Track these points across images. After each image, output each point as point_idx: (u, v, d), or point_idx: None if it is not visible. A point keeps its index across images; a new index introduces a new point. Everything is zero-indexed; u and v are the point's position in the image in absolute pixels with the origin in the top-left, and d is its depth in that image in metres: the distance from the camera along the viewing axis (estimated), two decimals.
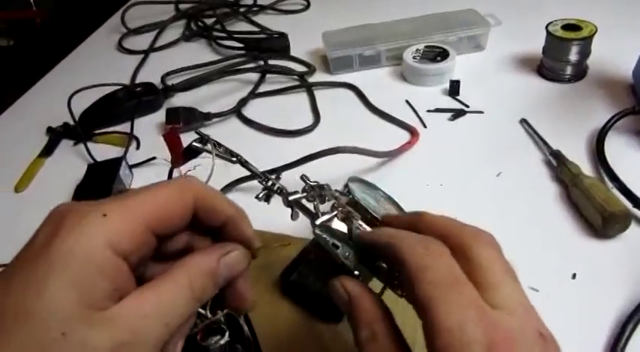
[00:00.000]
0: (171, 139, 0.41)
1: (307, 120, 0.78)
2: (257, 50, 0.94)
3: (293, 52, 0.95)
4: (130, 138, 0.76)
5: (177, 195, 0.29)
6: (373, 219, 0.51)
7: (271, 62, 0.92)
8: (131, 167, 0.70)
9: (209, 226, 0.32)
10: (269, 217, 0.54)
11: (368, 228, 0.48)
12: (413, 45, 0.86)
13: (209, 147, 0.42)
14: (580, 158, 0.63)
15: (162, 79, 0.87)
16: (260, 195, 0.46)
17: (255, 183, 0.61)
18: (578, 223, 0.57)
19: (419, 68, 0.82)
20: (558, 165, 0.62)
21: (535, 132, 0.69)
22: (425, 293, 0.27)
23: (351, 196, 0.54)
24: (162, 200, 0.28)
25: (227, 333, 0.44)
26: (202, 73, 0.87)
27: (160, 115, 0.81)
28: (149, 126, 0.80)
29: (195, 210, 0.30)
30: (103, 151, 0.75)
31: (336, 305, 0.34)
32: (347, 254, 0.36)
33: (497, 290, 0.28)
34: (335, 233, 0.38)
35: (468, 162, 0.67)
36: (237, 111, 0.80)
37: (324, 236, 0.37)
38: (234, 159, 0.44)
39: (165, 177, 0.53)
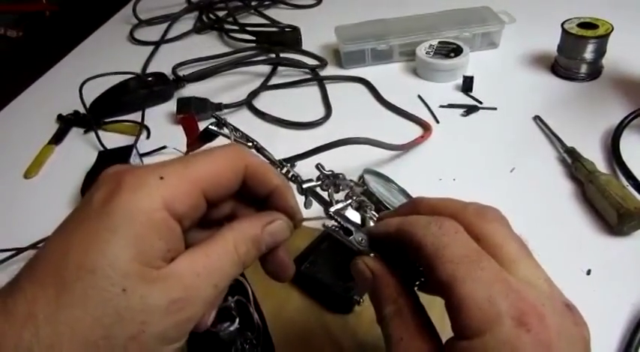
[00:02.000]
0: (188, 123, 0.41)
1: (318, 113, 0.77)
2: (268, 43, 0.94)
3: (305, 46, 0.94)
4: (141, 127, 0.75)
5: (231, 162, 0.30)
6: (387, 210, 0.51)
7: (283, 55, 0.91)
8: (141, 156, 0.70)
9: (255, 195, 0.32)
10: None
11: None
12: (426, 40, 0.85)
13: (226, 131, 0.42)
14: (594, 156, 0.63)
15: (174, 69, 0.87)
16: None
17: None
18: (593, 220, 0.56)
19: (432, 63, 0.81)
20: (573, 162, 0.62)
21: (549, 129, 0.69)
22: (447, 273, 0.26)
23: (365, 187, 0.54)
24: (217, 166, 0.29)
25: (237, 320, 0.44)
26: (213, 64, 0.87)
27: (170, 105, 0.81)
28: (160, 116, 0.80)
29: (245, 178, 0.30)
30: (114, 140, 0.75)
31: (360, 285, 0.33)
32: (360, 239, 0.35)
33: (516, 265, 0.27)
34: (348, 221, 0.37)
35: (481, 157, 0.66)
36: (248, 102, 0.80)
37: (337, 219, 0.36)
38: (250, 144, 0.43)
39: None
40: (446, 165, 0.65)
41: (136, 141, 0.72)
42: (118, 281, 0.23)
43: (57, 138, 0.78)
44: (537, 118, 0.71)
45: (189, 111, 0.72)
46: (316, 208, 0.45)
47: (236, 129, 0.43)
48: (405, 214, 0.33)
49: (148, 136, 0.76)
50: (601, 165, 0.62)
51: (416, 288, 0.33)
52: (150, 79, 0.82)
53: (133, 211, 0.25)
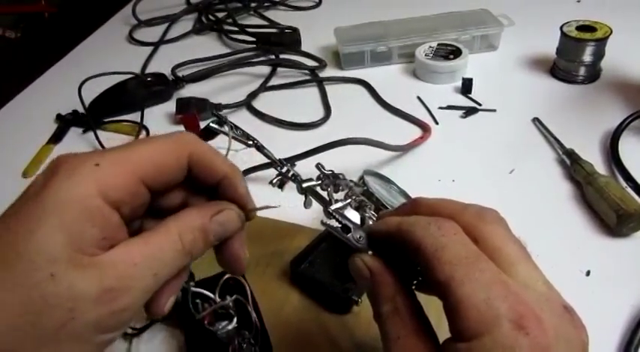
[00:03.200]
0: (189, 122, 0.41)
1: (318, 114, 0.77)
2: (268, 44, 0.94)
3: (304, 48, 0.94)
4: (140, 127, 0.75)
5: (172, 148, 0.29)
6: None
7: (282, 56, 0.91)
8: None
9: (204, 184, 0.31)
10: (281, 207, 0.53)
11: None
12: (425, 42, 0.86)
13: (226, 128, 0.42)
14: (593, 158, 0.63)
15: (173, 70, 0.87)
16: (274, 181, 0.45)
17: (267, 173, 0.61)
18: (592, 221, 0.56)
19: (431, 65, 0.81)
20: (572, 164, 0.62)
21: (548, 131, 0.69)
22: (445, 274, 0.26)
23: (365, 188, 0.53)
24: (156, 152, 0.28)
25: (235, 319, 0.44)
26: (213, 65, 0.87)
27: (170, 106, 0.81)
28: (159, 116, 0.80)
29: (190, 166, 0.30)
30: (112, 139, 0.75)
31: (358, 283, 0.33)
32: (359, 236, 0.35)
33: (515, 268, 0.27)
34: (347, 219, 0.37)
35: (480, 159, 0.66)
36: (247, 103, 0.80)
37: (336, 216, 0.36)
38: (251, 142, 0.43)
39: None
40: (445, 167, 0.65)
41: None
42: (44, 265, 0.23)
43: (56, 138, 0.78)
44: (536, 120, 0.72)
45: (190, 111, 0.72)
46: (316, 208, 0.45)
47: (236, 127, 0.43)
48: (405, 214, 0.33)
49: (147, 136, 0.76)
50: (600, 167, 0.62)
51: (414, 288, 0.33)
52: (149, 79, 0.82)
53: (65, 198, 0.24)
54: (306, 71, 0.88)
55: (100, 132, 0.75)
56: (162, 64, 0.92)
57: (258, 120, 0.78)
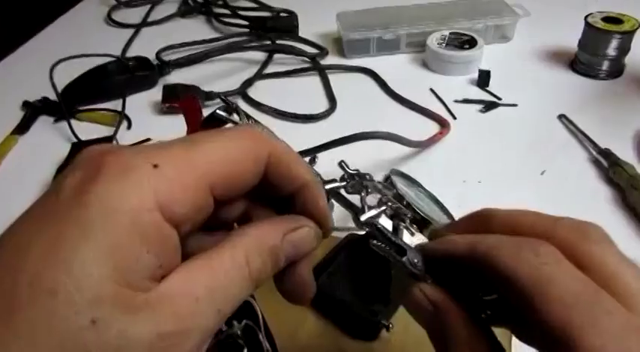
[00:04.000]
0: (189, 107, 0.33)
1: (321, 105, 0.70)
2: (262, 29, 0.86)
3: (302, 34, 0.87)
4: (121, 116, 0.66)
5: (250, 147, 0.22)
6: (422, 219, 0.44)
7: (279, 42, 0.83)
8: None
9: (277, 192, 0.25)
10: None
11: (416, 232, 0.40)
12: (436, 31, 0.79)
13: (236, 117, 0.34)
14: (627, 159, 0.57)
15: (158, 54, 0.78)
16: None
17: None
18: (637, 229, 0.50)
19: (445, 55, 0.74)
20: (610, 166, 0.55)
21: (578, 129, 0.63)
22: (559, 317, 0.20)
23: (394, 190, 0.46)
24: (233, 152, 0.22)
25: (245, 350, 0.36)
26: (202, 50, 0.78)
27: (154, 93, 0.72)
28: (142, 105, 0.71)
29: (266, 169, 0.23)
30: (89, 130, 0.66)
31: (415, 319, 0.26)
32: (416, 260, 0.27)
33: (636, 300, 0.21)
34: (393, 234, 0.30)
35: (506, 158, 0.60)
36: (242, 92, 0.72)
37: (378, 230, 0.29)
38: None
39: None
40: (468, 166, 0.58)
41: (116, 132, 0.63)
42: (85, 308, 0.17)
43: (21, 128, 0.68)
44: (563, 117, 0.65)
45: (189, 94, 0.63)
46: (338, 214, 0.38)
47: (248, 117, 0.35)
48: (472, 230, 0.26)
49: (129, 127, 0.67)
50: (637, 169, 0.56)
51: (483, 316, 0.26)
52: (131, 63, 0.73)
53: (114, 209, 0.18)
54: (306, 59, 0.80)
55: (74, 123, 0.66)
56: (146, 48, 0.83)
57: (255, 111, 0.69)
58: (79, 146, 0.60)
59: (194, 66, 0.77)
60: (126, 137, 0.64)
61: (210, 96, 0.69)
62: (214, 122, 0.35)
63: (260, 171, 0.23)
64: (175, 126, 0.48)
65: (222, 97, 0.33)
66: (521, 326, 0.25)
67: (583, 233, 0.23)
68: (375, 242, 0.27)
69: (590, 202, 0.54)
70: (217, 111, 0.34)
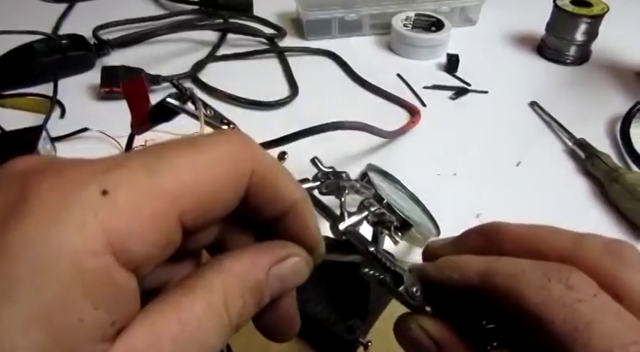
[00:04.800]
0: (134, 91, 0.27)
1: (281, 90, 0.64)
2: (213, 7, 0.79)
3: (257, 13, 0.80)
4: (52, 102, 0.58)
5: (231, 165, 0.18)
6: (404, 222, 0.39)
7: (232, 21, 0.76)
8: (53, 140, 0.53)
9: (259, 216, 0.20)
10: None
11: (400, 240, 0.35)
12: (400, 12, 0.74)
13: (190, 107, 0.28)
14: (603, 149, 0.54)
15: (95, 32, 0.69)
16: None
17: None
18: (619, 224, 0.48)
19: (412, 37, 0.70)
20: (588, 157, 0.53)
21: (551, 117, 0.60)
22: None
23: (373, 190, 0.41)
24: (209, 171, 0.17)
25: None
26: (147, 28, 0.71)
27: (91, 76, 0.64)
28: (77, 90, 0.62)
29: (247, 191, 0.19)
30: (15, 119, 0.57)
31: None
32: (414, 289, 0.23)
33: None
34: (389, 258, 0.25)
35: (480, 148, 0.56)
36: (193, 75, 0.64)
37: (375, 253, 0.24)
38: (226, 127, 0.30)
39: (102, 155, 0.38)
40: (442, 157, 0.54)
41: (46, 120, 0.55)
42: None
43: None
44: (535, 105, 0.63)
45: (135, 76, 0.55)
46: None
47: (206, 106, 0.29)
48: (479, 250, 0.21)
49: (63, 115, 0.59)
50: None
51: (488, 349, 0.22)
52: (64, 41, 0.64)
53: (47, 255, 0.14)
54: (263, 40, 0.73)
55: None
56: (81, 25, 0.74)
57: (208, 97, 0.62)
58: (3, 138, 0.52)
59: (137, 46, 0.69)
60: (58, 126, 0.56)
61: (156, 80, 0.61)
62: (164, 112, 0.29)
63: (241, 191, 0.18)
64: (116, 114, 0.41)
65: (174, 82, 0.27)
66: None
67: (616, 255, 0.19)
68: (366, 271, 0.22)
69: (569, 195, 0.51)
70: (168, 99, 0.28)
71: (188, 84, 0.64)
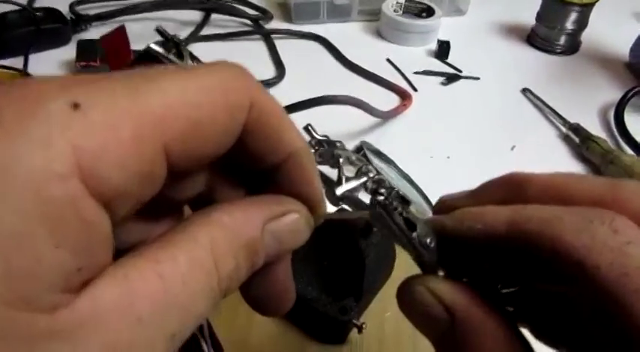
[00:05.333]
0: (115, 43, 0.24)
1: (267, 72, 0.61)
2: None
3: None
4: (22, 75, 0.54)
5: (226, 92, 0.15)
6: (401, 199, 0.37)
7: (217, 1, 0.73)
8: None
9: (254, 164, 0.17)
10: None
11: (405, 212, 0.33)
12: None
13: (173, 57, 0.25)
14: (598, 134, 0.53)
15: (72, 6, 0.66)
16: None
17: None
18: None
19: (402, 23, 0.68)
20: (582, 141, 0.52)
21: (545, 103, 0.59)
22: None
23: (369, 164, 0.39)
24: (199, 95, 0.14)
25: None
26: (126, 4, 0.67)
27: (67, 51, 0.60)
28: (51, 65, 0.59)
29: (245, 129, 0.16)
30: None
31: (421, 330, 0.19)
32: (428, 240, 0.20)
33: None
34: (404, 207, 0.22)
35: (474, 133, 0.55)
36: (194, 56, 0.61)
37: (393, 203, 0.21)
38: None
39: None
40: (435, 141, 0.53)
41: None
42: None
43: None
44: (528, 91, 0.61)
45: (115, 28, 0.50)
46: None
47: (193, 57, 0.26)
48: (500, 201, 0.19)
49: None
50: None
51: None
52: (39, 13, 0.60)
53: (2, 174, 0.11)
54: (248, 21, 0.71)
55: None
56: (56, 1, 0.70)
57: None
58: None
59: (116, 23, 0.65)
60: None
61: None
62: (148, 61, 0.26)
63: (236, 128, 0.16)
64: None
65: (160, 28, 0.25)
66: (552, 325, 0.19)
67: None
68: (379, 210, 0.20)
69: None
70: (152, 45, 0.25)
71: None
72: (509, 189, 0.19)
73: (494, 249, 0.17)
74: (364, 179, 0.27)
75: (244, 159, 0.17)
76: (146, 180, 0.13)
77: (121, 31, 0.25)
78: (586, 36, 0.72)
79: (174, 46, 0.25)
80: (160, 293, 0.13)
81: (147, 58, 0.25)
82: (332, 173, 0.29)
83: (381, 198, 0.20)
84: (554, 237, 0.15)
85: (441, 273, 0.20)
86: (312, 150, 0.31)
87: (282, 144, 0.17)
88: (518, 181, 0.20)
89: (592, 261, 0.15)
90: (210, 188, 0.18)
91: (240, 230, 0.16)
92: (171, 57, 0.25)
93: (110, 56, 0.27)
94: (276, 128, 0.17)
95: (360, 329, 0.33)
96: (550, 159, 0.52)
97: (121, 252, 0.14)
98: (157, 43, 0.25)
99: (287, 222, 0.17)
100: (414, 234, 0.20)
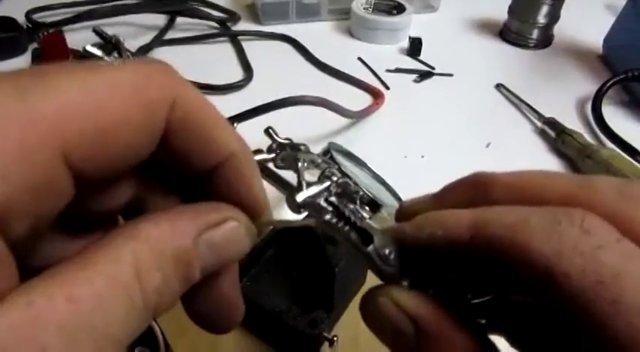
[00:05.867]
0: (51, 44, 0.23)
1: (235, 75, 0.59)
2: None
3: None
4: None
5: (138, 91, 0.13)
6: (372, 202, 0.35)
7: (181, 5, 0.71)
8: None
9: (186, 168, 0.16)
10: None
11: (366, 215, 0.31)
12: None
13: (116, 58, 0.23)
14: (575, 129, 0.52)
15: (28, 15, 0.63)
16: None
17: None
18: None
19: (372, 21, 0.67)
20: (558, 135, 0.51)
21: (519, 98, 0.58)
22: (628, 332, 0.12)
23: (336, 167, 0.37)
24: (104, 96, 0.13)
25: None
26: (84, 10, 0.65)
27: (22, 61, 0.58)
28: None
29: (169, 129, 0.15)
30: None
31: (385, 343, 0.17)
32: (387, 251, 0.18)
33: None
34: (357, 216, 0.20)
35: (448, 130, 0.53)
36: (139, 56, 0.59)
37: (343, 212, 0.19)
38: None
39: None
40: (409, 139, 0.51)
41: None
42: None
43: None
44: (501, 87, 0.60)
45: (55, 30, 0.48)
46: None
47: (134, 54, 0.24)
48: (462, 205, 0.17)
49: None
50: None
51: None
52: None
53: None
54: (215, 24, 0.69)
55: None
56: (13, 7, 0.67)
57: None
58: None
59: (76, 30, 0.63)
60: None
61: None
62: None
63: (156, 128, 0.14)
64: None
65: (97, 29, 0.23)
66: (526, 334, 0.17)
67: (635, 198, 0.15)
68: (328, 218, 0.18)
69: None
70: (88, 47, 0.23)
71: None
72: (474, 191, 0.18)
73: (459, 256, 0.16)
74: (327, 183, 0.25)
75: (174, 163, 0.16)
76: (43, 193, 0.12)
77: (58, 34, 0.23)
78: (558, 29, 0.71)
79: (115, 48, 0.23)
80: (68, 318, 0.11)
81: (83, 59, 0.23)
82: (295, 178, 0.27)
83: (330, 209, 0.18)
84: (519, 243, 0.14)
85: (405, 283, 0.18)
86: (273, 154, 0.29)
87: (215, 146, 0.15)
88: (482, 182, 0.18)
89: (561, 269, 0.13)
90: (140, 196, 0.17)
91: (168, 241, 0.14)
92: (110, 59, 0.23)
93: (48, 56, 0.25)
94: (207, 128, 0.15)
95: (331, 343, 0.31)
96: (526, 154, 0.51)
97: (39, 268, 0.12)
98: (94, 44, 0.23)
99: (224, 231, 0.16)
100: (371, 247, 0.18)
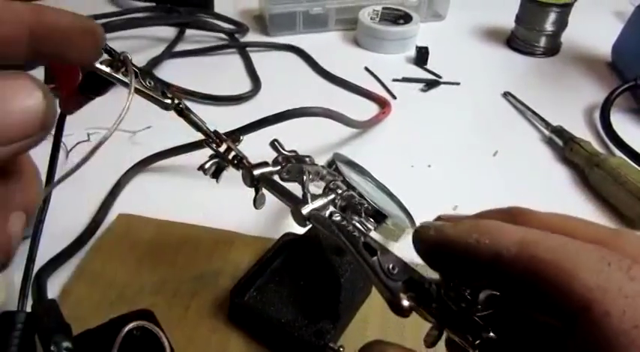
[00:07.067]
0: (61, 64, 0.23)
1: (243, 86, 0.60)
2: (170, 3, 0.74)
3: (217, 9, 0.76)
4: None
5: None
6: (377, 213, 0.35)
7: (190, 17, 0.72)
8: None
9: None
10: (212, 207, 0.37)
11: (370, 226, 0.32)
12: (367, 5, 0.71)
13: (121, 76, 0.24)
14: (583, 137, 0.52)
15: None
16: (207, 166, 0.28)
17: (194, 155, 0.43)
18: (602, 210, 0.45)
19: (379, 30, 0.67)
20: (566, 144, 0.51)
21: (526, 107, 0.58)
22: None
23: (341, 178, 0.38)
24: None
25: None
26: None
27: (36, 75, 0.59)
28: None
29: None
30: None
31: None
32: (391, 265, 0.19)
33: None
34: (360, 230, 0.21)
35: (455, 139, 0.53)
36: (149, 72, 0.60)
37: (331, 225, 0.20)
38: (170, 102, 0.26)
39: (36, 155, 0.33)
40: (416, 149, 0.51)
41: None
42: None
43: None
44: (509, 95, 0.60)
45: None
46: (271, 208, 0.30)
47: (146, 75, 0.25)
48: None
49: None
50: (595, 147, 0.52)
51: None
52: None
53: None
54: (224, 36, 0.70)
55: None
56: None
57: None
58: None
59: None
60: None
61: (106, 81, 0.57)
62: (95, 82, 0.25)
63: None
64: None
65: (107, 47, 0.23)
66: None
67: None
68: (332, 231, 0.18)
69: (548, 183, 0.49)
70: (97, 64, 0.24)
71: None
72: (513, 220, 0.18)
73: (493, 268, 0.16)
74: (332, 196, 0.26)
75: None
76: None
77: None
78: (566, 36, 0.71)
79: (123, 64, 0.24)
80: None
81: (94, 78, 0.24)
82: (300, 191, 0.28)
83: (335, 220, 0.18)
84: (566, 270, 0.14)
85: (405, 303, 0.18)
86: (279, 167, 0.30)
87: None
88: (520, 213, 0.18)
89: (603, 306, 0.13)
90: None
91: None
92: (119, 76, 0.24)
93: (58, 74, 0.26)
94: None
95: None
96: (534, 163, 0.51)
97: None
98: (103, 61, 0.24)
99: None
100: (374, 259, 0.18)
